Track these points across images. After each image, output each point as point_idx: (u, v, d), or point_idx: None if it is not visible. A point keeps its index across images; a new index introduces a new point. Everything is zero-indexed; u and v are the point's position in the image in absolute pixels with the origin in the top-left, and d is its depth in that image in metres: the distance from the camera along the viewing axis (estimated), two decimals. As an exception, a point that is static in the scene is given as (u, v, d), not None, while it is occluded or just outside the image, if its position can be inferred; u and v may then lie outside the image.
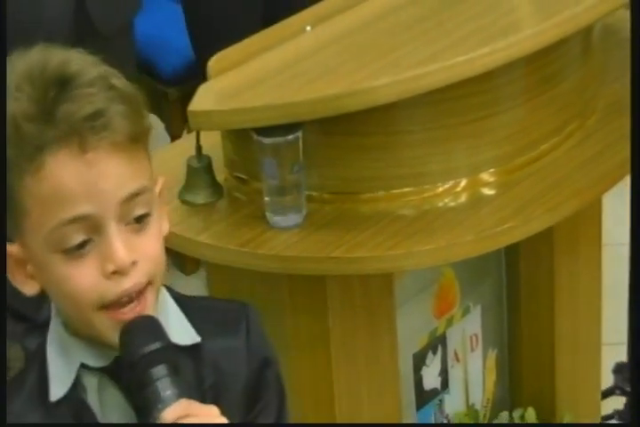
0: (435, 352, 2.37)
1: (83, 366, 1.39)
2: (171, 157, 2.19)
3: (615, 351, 2.85)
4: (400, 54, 2.03)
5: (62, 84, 1.29)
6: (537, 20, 2.14)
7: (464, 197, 2.10)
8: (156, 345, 1.32)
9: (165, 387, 1.31)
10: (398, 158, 2.08)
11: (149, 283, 1.34)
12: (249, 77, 2.05)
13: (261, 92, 2.01)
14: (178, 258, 3.43)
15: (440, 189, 2.10)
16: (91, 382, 1.40)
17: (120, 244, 1.30)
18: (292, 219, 2.04)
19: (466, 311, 2.41)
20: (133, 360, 1.31)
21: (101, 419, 1.40)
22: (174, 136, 3.42)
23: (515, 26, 2.08)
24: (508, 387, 2.54)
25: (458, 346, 2.42)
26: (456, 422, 2.43)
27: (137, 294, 1.33)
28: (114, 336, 1.33)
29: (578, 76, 2.22)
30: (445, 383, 2.42)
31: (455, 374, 2.43)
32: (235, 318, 1.49)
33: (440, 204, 2.09)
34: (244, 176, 2.13)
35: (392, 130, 2.07)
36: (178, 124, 3.41)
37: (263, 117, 1.97)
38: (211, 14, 3.10)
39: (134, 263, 1.31)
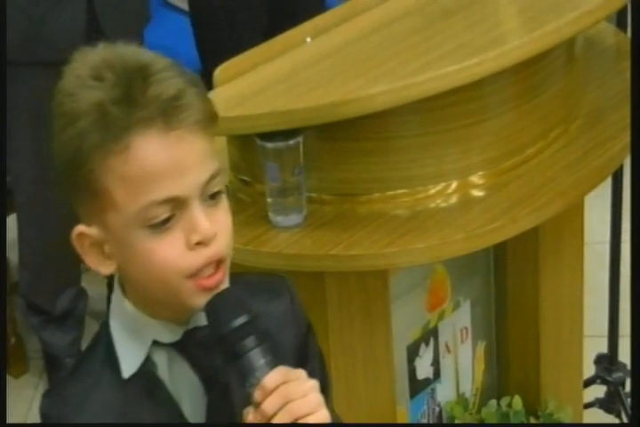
0: (427, 344, 2.37)
1: (154, 343, 1.40)
2: (179, 160, 2.18)
3: (596, 343, 2.85)
4: (394, 64, 2.03)
5: (143, 70, 1.31)
6: (523, 32, 2.15)
7: (455, 199, 2.10)
8: (243, 319, 1.34)
9: (258, 357, 1.33)
10: (392, 162, 2.08)
11: (225, 256, 1.36)
12: (252, 86, 2.05)
13: (264, 100, 2.01)
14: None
15: (432, 191, 2.10)
16: (161, 358, 1.41)
17: (203, 217, 1.32)
18: (293, 219, 2.04)
19: (456, 306, 2.41)
20: (224, 335, 1.33)
21: (173, 393, 1.41)
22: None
23: (502, 38, 2.08)
24: (496, 376, 2.54)
25: (449, 338, 2.42)
26: (447, 410, 2.43)
27: (217, 263, 1.35)
28: (198, 302, 1.34)
29: (561, 84, 2.22)
30: (437, 373, 2.42)
31: (446, 364, 2.43)
32: (278, 289, 1.53)
33: (432, 205, 2.09)
34: (247, 179, 2.13)
35: (386, 135, 2.07)
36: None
37: (266, 124, 1.97)
38: (216, 27, 3.10)
39: (214, 235, 1.33)
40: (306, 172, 2.02)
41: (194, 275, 1.33)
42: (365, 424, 1.50)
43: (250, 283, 1.50)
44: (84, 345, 3.22)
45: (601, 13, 2.15)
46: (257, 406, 1.31)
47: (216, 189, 1.35)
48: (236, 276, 1.46)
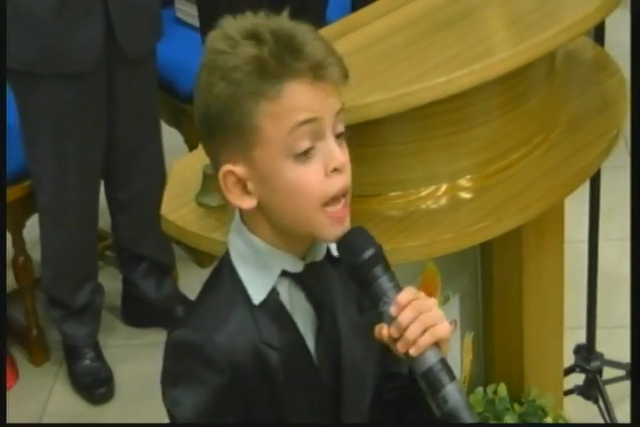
0: (419, 335, 2.36)
1: (282, 272, 1.48)
2: (189, 164, 2.19)
3: (575, 334, 2.85)
4: (389, 75, 2.03)
5: (297, 33, 1.43)
6: (507, 46, 2.14)
7: (444, 200, 2.10)
8: (371, 251, 1.44)
9: (386, 282, 1.42)
10: (387, 166, 2.08)
11: (349, 189, 1.46)
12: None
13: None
14: (195, 253, 3.43)
15: (423, 193, 2.10)
16: (283, 287, 1.49)
17: (337, 147, 1.43)
18: (295, 219, 2.04)
19: (446, 300, 2.40)
20: (357, 265, 1.43)
21: (292, 315, 1.50)
22: (192, 147, 3.41)
23: (488, 51, 2.07)
24: (483, 365, 2.53)
25: (439, 330, 2.41)
26: (438, 396, 2.42)
27: (344, 198, 1.45)
28: (330, 233, 1.45)
29: (543, 94, 2.21)
30: (428, 362, 2.40)
31: (436, 354, 2.42)
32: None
33: (423, 206, 2.09)
34: (252, 182, 2.12)
35: (381, 141, 2.06)
36: (195, 136, 3.38)
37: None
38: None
39: (346, 163, 1.44)
40: (306, 175, 2.01)
41: (328, 204, 1.43)
42: (365, 424, 1.51)
43: None
44: (100, 337, 3.22)
45: (580, 29, 2.15)
46: (391, 321, 1.40)
47: (341, 129, 1.45)
48: None
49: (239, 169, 1.44)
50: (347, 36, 2.18)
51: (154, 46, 2.99)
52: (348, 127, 1.91)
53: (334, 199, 1.44)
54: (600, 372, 2.83)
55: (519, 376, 2.49)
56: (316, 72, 1.40)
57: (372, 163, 2.06)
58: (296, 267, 1.48)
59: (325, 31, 2.19)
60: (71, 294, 3.14)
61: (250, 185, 1.44)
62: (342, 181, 1.44)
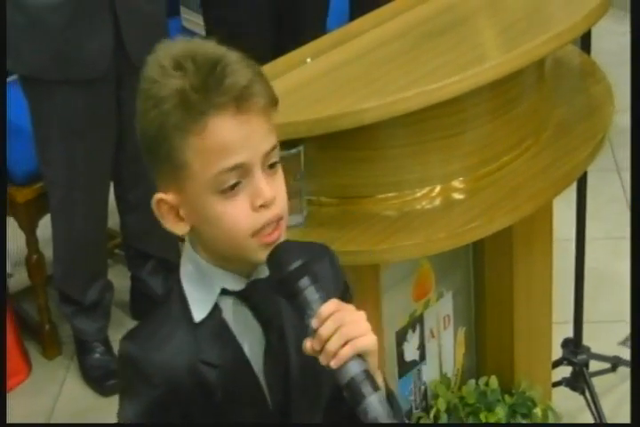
0: (414, 330, 2.36)
1: (222, 291, 1.44)
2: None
3: (563, 329, 2.84)
4: (384, 82, 2.02)
5: (219, 61, 1.36)
6: (498, 53, 2.14)
7: (438, 201, 2.09)
8: (298, 262, 1.38)
9: (312, 293, 1.37)
10: (383, 169, 2.07)
11: (282, 217, 1.41)
12: (259, 101, 2.03)
13: (269, 114, 2.00)
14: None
15: (418, 194, 2.09)
16: (226, 305, 1.44)
17: (265, 183, 1.38)
18: (296, 219, 2.03)
19: (440, 296, 2.40)
20: (282, 279, 1.38)
21: (236, 334, 1.45)
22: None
23: (479, 58, 2.07)
24: (475, 358, 2.53)
25: (433, 325, 2.41)
26: (431, 388, 2.42)
27: (276, 223, 1.40)
28: (261, 256, 1.39)
29: (533, 100, 2.21)
30: (423, 356, 2.40)
31: (431, 348, 2.42)
32: (320, 253, 1.56)
33: (418, 206, 2.08)
34: (254, 183, 2.11)
35: (377, 145, 2.06)
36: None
37: (271, 134, 1.96)
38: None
39: (274, 199, 1.39)
40: (306, 177, 2.00)
41: (257, 233, 1.39)
42: (365, 424, 1.48)
43: (299, 245, 1.52)
44: (110, 332, 3.22)
45: (567, 37, 2.14)
46: (313, 333, 1.35)
47: (274, 160, 1.40)
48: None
49: (171, 197, 1.40)
50: (345, 44, 2.18)
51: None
52: (346, 131, 1.93)
53: (263, 229, 1.39)
54: (587, 365, 2.83)
55: (510, 369, 2.48)
56: (239, 104, 1.35)
57: (368, 165, 2.06)
58: (237, 285, 1.44)
59: (324, 40, 2.20)
60: (82, 291, 3.13)
61: (182, 212, 1.41)
62: (270, 214, 1.39)
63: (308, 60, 2.13)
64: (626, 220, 3.57)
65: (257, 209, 1.38)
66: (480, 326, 2.50)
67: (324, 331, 1.34)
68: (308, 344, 1.36)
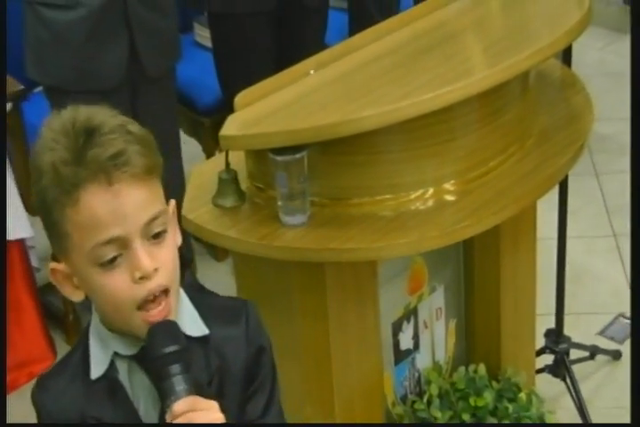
0: (408, 321, 2.35)
1: (116, 353, 1.37)
2: (206, 170, 2.17)
3: (546, 320, 2.84)
4: (381, 92, 2.01)
5: (89, 133, 1.28)
6: (486, 66, 2.13)
7: (431, 202, 2.08)
8: (173, 347, 1.30)
9: (179, 383, 1.29)
10: (380, 172, 2.06)
11: (168, 287, 1.32)
12: (266, 110, 2.03)
13: (275, 121, 2.00)
14: (211, 248, 3.42)
15: (412, 196, 2.08)
16: (122, 366, 1.38)
17: (144, 255, 1.28)
18: (299, 219, 2.02)
19: (432, 290, 2.39)
20: (155, 357, 1.30)
21: (132, 395, 1.38)
22: (209, 155, 3.40)
23: (468, 72, 2.06)
24: (465, 347, 2.52)
25: (426, 316, 2.40)
26: (425, 375, 2.41)
27: (160, 294, 1.31)
28: (144, 332, 1.32)
29: (518, 109, 2.20)
30: (417, 345, 2.39)
31: (424, 337, 2.41)
32: (236, 313, 1.45)
33: (412, 207, 2.07)
34: (261, 186, 2.11)
35: (375, 150, 2.04)
36: (211, 145, 3.40)
37: (276, 140, 1.96)
38: (235, 63, 3.09)
39: (156, 270, 1.30)
40: (309, 180, 2.00)
41: (140, 306, 1.30)
42: (365, 424, 1.43)
43: (212, 307, 1.45)
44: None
45: (549, 52, 2.13)
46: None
47: (158, 230, 1.31)
48: (202, 299, 1.44)
49: (63, 266, 1.33)
50: (345, 58, 2.17)
51: (173, 66, 2.98)
52: (346, 138, 1.92)
53: (148, 301, 1.30)
54: (567, 353, 2.82)
55: (496, 357, 2.48)
56: (108, 175, 1.25)
57: (366, 169, 2.05)
58: (129, 350, 1.36)
59: (326, 53, 2.19)
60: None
61: (75, 280, 1.33)
62: (152, 286, 1.29)
63: (311, 71, 2.13)
64: (602, 220, 3.57)
65: (137, 281, 1.28)
66: (469, 317, 2.49)
67: None
68: None
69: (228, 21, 3.06)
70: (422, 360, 2.42)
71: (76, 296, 1.36)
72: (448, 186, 2.10)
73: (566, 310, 2.82)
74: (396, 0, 3.62)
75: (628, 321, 3.14)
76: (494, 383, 2.43)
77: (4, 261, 2.84)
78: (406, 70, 2.09)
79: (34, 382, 3.15)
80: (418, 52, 2.16)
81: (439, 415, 2.34)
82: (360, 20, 3.47)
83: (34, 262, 3.11)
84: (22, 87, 2.91)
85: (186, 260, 3.27)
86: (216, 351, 1.40)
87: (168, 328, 1.32)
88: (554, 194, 2.56)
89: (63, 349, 3.22)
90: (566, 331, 2.84)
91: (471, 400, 2.37)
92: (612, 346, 3.04)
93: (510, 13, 2.34)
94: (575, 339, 2.87)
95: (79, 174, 1.25)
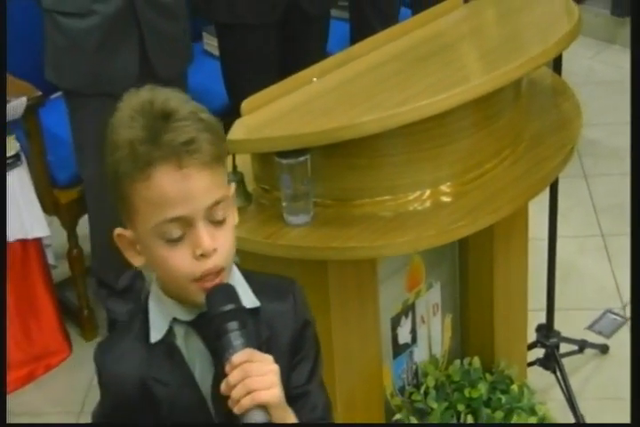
0: (406, 316, 2.34)
1: (174, 319, 1.39)
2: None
3: (537, 316, 2.83)
4: (382, 98, 2.01)
5: (165, 117, 1.30)
6: (480, 74, 2.13)
7: (428, 203, 2.07)
8: (231, 306, 1.32)
9: (236, 338, 1.31)
10: (380, 174, 2.06)
11: (224, 267, 1.34)
12: (271, 115, 2.02)
13: (280, 126, 1.99)
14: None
15: (411, 197, 2.07)
16: (179, 331, 1.40)
17: (206, 235, 1.31)
18: (303, 218, 2.02)
19: (429, 286, 2.38)
20: (213, 316, 1.32)
21: (187, 359, 1.40)
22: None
23: (464, 79, 2.06)
24: (460, 341, 2.51)
25: (423, 312, 2.39)
26: (422, 367, 2.41)
27: (216, 273, 1.33)
28: (200, 299, 1.34)
29: (511, 115, 2.19)
30: (414, 339, 2.39)
31: (421, 332, 2.40)
32: (284, 290, 1.48)
33: (411, 208, 2.06)
34: (267, 187, 2.10)
35: (375, 154, 2.04)
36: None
37: (281, 144, 1.95)
38: (242, 70, 3.09)
39: (215, 250, 1.32)
40: (312, 182, 1.99)
41: (197, 280, 1.33)
42: (366, 424, 1.43)
43: (261, 283, 1.47)
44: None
45: (541, 60, 2.13)
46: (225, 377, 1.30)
47: (219, 213, 1.33)
48: (253, 275, 1.45)
49: (128, 233, 1.36)
50: (347, 65, 2.16)
51: (184, 70, 2.97)
52: (348, 141, 1.92)
53: (202, 278, 1.33)
54: (557, 347, 2.81)
55: (490, 350, 2.47)
56: (180, 159, 1.28)
57: (367, 172, 2.05)
58: (187, 316, 1.38)
59: (329, 61, 2.19)
60: (115, 278, 3.12)
61: (138, 247, 1.36)
62: (210, 264, 1.32)
63: (315, 79, 2.12)
64: (591, 221, 3.56)
65: (198, 258, 1.31)
66: (464, 313, 2.48)
67: (231, 379, 1.28)
68: (222, 386, 1.30)
69: (234, 31, 3.05)
70: (419, 354, 2.41)
71: (137, 261, 1.38)
72: (444, 188, 2.09)
73: (556, 305, 2.81)
74: (396, 10, 3.62)
75: (616, 316, 3.13)
76: (488, 376, 2.42)
77: (4, 262, 2.83)
78: (405, 77, 2.09)
79: (51, 373, 3.16)
80: (416, 60, 2.15)
81: (435, 406, 2.33)
82: (361, 29, 3.46)
83: (50, 260, 3.11)
84: (40, 93, 2.91)
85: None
86: (266, 323, 1.42)
87: (225, 290, 1.34)
88: (545, 195, 2.56)
89: (78, 342, 3.22)
90: (556, 326, 2.83)
91: (466, 392, 2.37)
92: (600, 340, 3.04)
93: (504, 24, 2.34)
94: (565, 333, 2.86)
95: (153, 154, 1.28)
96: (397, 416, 2.34)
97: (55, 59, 2.76)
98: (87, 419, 2.96)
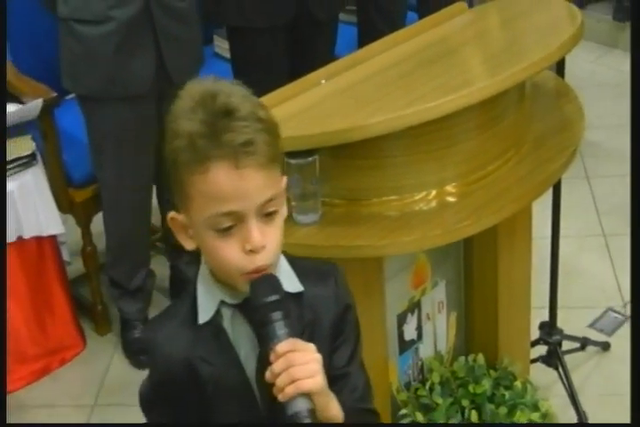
0: (412, 314, 2.34)
1: (222, 301, 1.40)
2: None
3: (540, 313, 2.82)
4: (388, 101, 2.00)
5: (226, 115, 1.29)
6: (484, 78, 2.11)
7: (434, 203, 2.07)
8: (275, 297, 1.32)
9: (280, 328, 1.31)
10: (386, 175, 2.05)
11: (271, 265, 1.35)
12: (281, 116, 1.99)
13: (290, 127, 1.98)
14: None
15: (416, 197, 2.07)
16: (226, 314, 1.41)
17: (256, 230, 1.31)
18: (311, 217, 2.02)
19: (434, 284, 2.38)
20: (258, 306, 1.32)
21: (233, 341, 1.41)
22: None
23: (469, 82, 2.05)
24: (464, 338, 2.51)
25: (429, 309, 2.39)
26: (427, 363, 2.40)
27: (262, 270, 1.34)
28: (245, 289, 1.34)
29: (515, 117, 2.19)
30: (420, 336, 2.38)
31: (427, 329, 2.40)
32: (327, 275, 1.49)
33: (416, 208, 2.06)
34: (276, 187, 2.10)
35: (382, 154, 2.03)
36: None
37: (291, 145, 1.93)
38: (252, 73, 3.09)
39: (263, 247, 1.32)
40: (321, 182, 1.99)
41: (245, 274, 1.34)
42: (370, 424, 1.44)
43: (304, 267, 1.47)
44: (151, 312, 3.21)
45: (544, 64, 2.12)
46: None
47: (271, 209, 1.33)
48: (296, 260, 1.47)
49: (182, 217, 1.36)
50: (354, 68, 2.16)
51: (197, 74, 2.97)
52: (355, 143, 1.91)
53: (250, 274, 1.33)
54: (560, 344, 2.81)
55: (494, 347, 2.46)
56: (237, 158, 1.28)
57: (374, 172, 2.04)
58: (233, 299, 1.39)
59: (336, 64, 2.19)
60: (128, 278, 3.12)
61: (190, 232, 1.37)
62: (259, 260, 1.32)
63: (323, 81, 2.12)
64: (592, 220, 3.56)
65: (247, 253, 1.32)
66: (469, 310, 2.47)
67: (276, 368, 1.29)
68: (267, 374, 1.31)
69: (245, 35, 3.05)
70: (425, 350, 2.41)
71: (189, 245, 1.38)
72: (449, 188, 2.09)
73: (559, 304, 2.81)
74: (403, 15, 3.61)
75: (617, 315, 3.13)
76: (492, 372, 2.42)
77: (4, 262, 2.83)
78: (411, 80, 2.08)
79: (65, 366, 3.16)
80: (422, 64, 2.15)
81: (440, 401, 2.33)
82: (368, 33, 3.46)
83: (65, 257, 3.11)
84: (55, 94, 2.92)
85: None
86: (309, 307, 1.43)
87: (269, 280, 1.34)
88: (547, 196, 2.55)
89: (92, 337, 3.22)
90: (559, 324, 2.83)
91: (470, 387, 2.36)
92: (602, 338, 3.03)
93: (508, 28, 2.34)
94: (567, 331, 2.85)
95: (212, 151, 1.28)
96: (403, 411, 2.33)
97: (72, 66, 2.76)
98: (101, 411, 2.99)
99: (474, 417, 2.32)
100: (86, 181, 3.04)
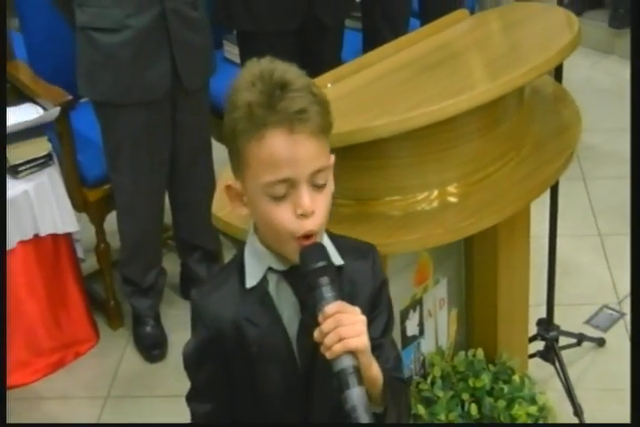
0: (414, 310, 2.33)
1: (269, 268, 1.44)
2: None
3: (538, 310, 2.82)
4: (392, 104, 2.00)
5: (282, 86, 1.35)
6: (486, 82, 2.11)
7: (436, 203, 2.06)
8: (323, 263, 1.36)
9: (327, 291, 1.35)
10: (390, 176, 2.05)
11: (318, 232, 1.39)
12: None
13: (297, 130, 1.98)
14: (238, 243, 3.40)
15: (419, 197, 2.06)
16: (272, 279, 1.45)
17: (307, 196, 1.36)
18: (317, 217, 2.01)
19: (436, 282, 2.37)
20: (308, 271, 1.36)
21: (277, 305, 1.45)
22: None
23: (470, 86, 2.04)
24: (465, 334, 2.50)
25: (430, 306, 2.38)
26: (429, 358, 2.40)
27: (313, 234, 1.38)
28: (295, 257, 1.38)
29: (514, 120, 2.18)
30: (422, 331, 2.38)
31: (428, 325, 2.39)
32: (365, 252, 1.54)
33: (419, 208, 2.05)
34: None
35: (386, 156, 2.03)
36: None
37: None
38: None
39: (313, 212, 1.37)
40: (327, 182, 1.98)
41: (297, 238, 1.37)
42: (375, 424, 1.44)
43: (345, 244, 1.52)
44: (163, 308, 3.21)
45: (543, 69, 2.11)
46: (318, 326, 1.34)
47: (321, 181, 1.38)
48: (337, 237, 1.51)
49: (238, 185, 1.41)
50: (359, 73, 2.16)
51: (208, 81, 2.97)
52: (361, 144, 1.91)
53: (300, 237, 1.37)
54: (557, 340, 2.80)
55: (493, 343, 2.46)
56: (292, 125, 1.33)
57: (378, 173, 2.04)
58: (281, 266, 1.44)
59: (342, 68, 2.18)
60: (141, 276, 3.12)
61: (245, 199, 1.41)
62: (309, 224, 1.36)
63: (329, 85, 2.11)
64: (589, 220, 3.55)
65: (298, 216, 1.36)
66: (469, 307, 2.47)
67: (324, 327, 1.33)
68: (315, 334, 1.35)
69: (255, 40, 3.05)
70: (426, 345, 2.40)
71: (242, 211, 1.42)
72: (451, 188, 2.08)
73: (556, 301, 2.80)
74: (406, 21, 3.61)
75: (612, 312, 3.12)
76: (491, 367, 2.41)
77: (4, 262, 2.83)
78: (415, 84, 2.08)
79: (80, 360, 3.16)
80: (425, 68, 2.14)
81: (441, 395, 2.32)
82: (373, 39, 3.46)
83: (79, 254, 3.11)
84: (70, 97, 2.91)
85: (215, 254, 3.27)
86: (348, 280, 1.47)
87: (318, 248, 1.38)
88: (546, 196, 2.55)
89: (105, 331, 3.22)
90: (556, 320, 2.82)
91: (470, 381, 2.36)
92: (597, 334, 3.02)
93: (508, 34, 2.33)
94: (564, 327, 2.85)
95: (268, 117, 1.32)
96: (405, 404, 2.33)
97: (89, 73, 2.76)
98: (113, 402, 2.99)
99: (473, 410, 2.31)
100: (99, 182, 3.04)
